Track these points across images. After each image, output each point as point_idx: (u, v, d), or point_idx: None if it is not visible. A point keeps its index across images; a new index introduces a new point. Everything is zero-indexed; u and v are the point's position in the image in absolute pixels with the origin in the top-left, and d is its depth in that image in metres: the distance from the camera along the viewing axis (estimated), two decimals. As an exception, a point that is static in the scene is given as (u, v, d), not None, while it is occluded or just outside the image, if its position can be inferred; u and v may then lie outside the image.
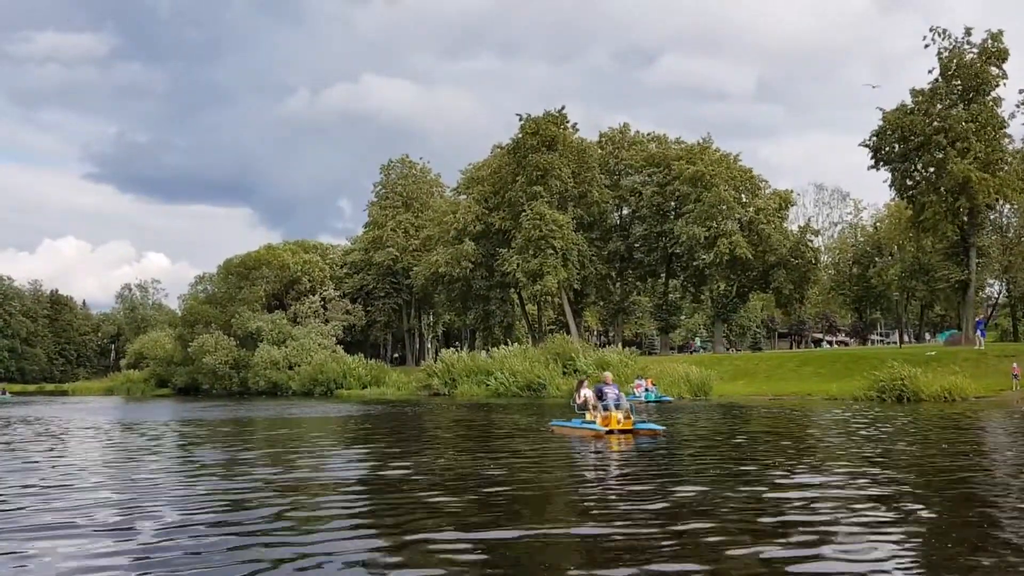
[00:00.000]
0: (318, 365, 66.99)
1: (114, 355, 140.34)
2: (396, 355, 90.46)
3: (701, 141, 65.35)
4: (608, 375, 19.11)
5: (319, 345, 71.73)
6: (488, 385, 47.16)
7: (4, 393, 76.40)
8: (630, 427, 16.98)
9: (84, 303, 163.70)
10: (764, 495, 9.04)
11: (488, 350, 57.58)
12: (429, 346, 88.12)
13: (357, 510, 8.53)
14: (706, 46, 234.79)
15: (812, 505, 8.30)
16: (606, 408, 17.42)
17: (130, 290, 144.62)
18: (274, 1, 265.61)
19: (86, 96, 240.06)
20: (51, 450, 17.01)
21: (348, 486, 10.45)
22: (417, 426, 24.26)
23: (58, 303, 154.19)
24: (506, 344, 54.93)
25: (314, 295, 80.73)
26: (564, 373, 45.31)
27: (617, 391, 18.08)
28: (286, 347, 71.38)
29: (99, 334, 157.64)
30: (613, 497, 9.28)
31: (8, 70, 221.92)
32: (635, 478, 11.00)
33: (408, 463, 12.90)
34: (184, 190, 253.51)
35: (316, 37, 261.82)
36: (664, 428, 17.34)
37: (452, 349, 57.58)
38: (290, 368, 69.66)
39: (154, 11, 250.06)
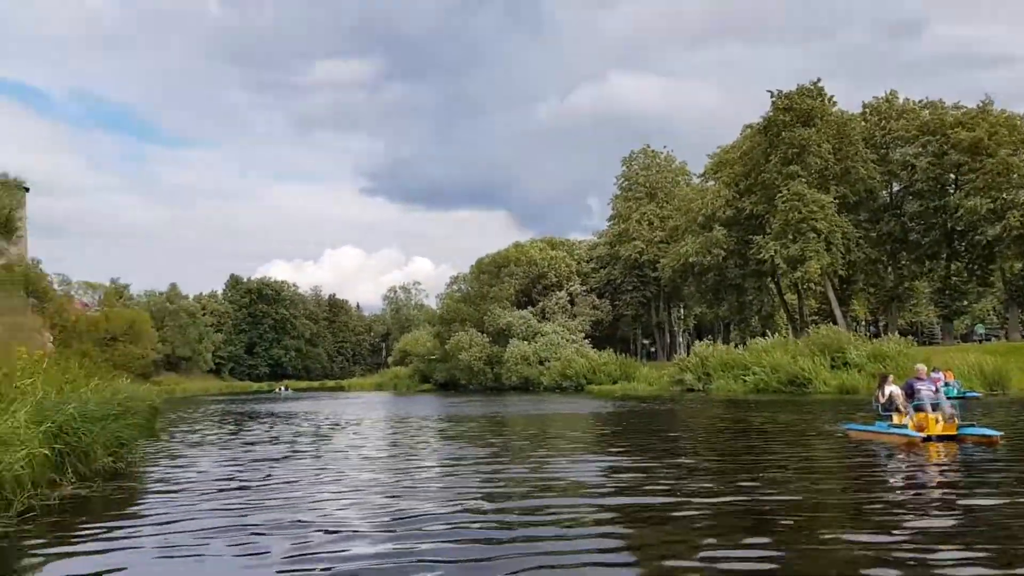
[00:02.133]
0: (567, 360, 66.96)
1: (385, 353, 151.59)
2: (652, 348, 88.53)
3: (981, 104, 57.17)
4: (921, 368, 15.53)
5: (567, 340, 71.82)
6: (746, 380, 44.04)
7: (287, 390, 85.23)
8: (954, 432, 13.84)
9: (358, 305, 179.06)
10: None
11: (744, 342, 54.15)
12: (680, 340, 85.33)
13: (607, 515, 7.79)
14: (980, 7, 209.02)
15: None
16: (919, 408, 14.32)
17: (395, 292, 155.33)
18: (520, 12, 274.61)
19: (358, 117, 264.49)
20: (323, 442, 17.59)
21: (598, 487, 9.60)
22: (674, 424, 22.46)
23: (335, 306, 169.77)
24: (765, 336, 51.20)
25: (560, 291, 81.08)
26: (832, 367, 41.15)
27: (933, 387, 14.76)
28: (535, 342, 72.16)
29: (371, 333, 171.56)
30: (940, 527, 7.09)
31: (292, 99, 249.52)
32: (964, 499, 8.57)
33: (670, 466, 11.39)
34: (446, 198, 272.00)
35: (562, 42, 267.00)
36: (1001, 434, 13.58)
37: (705, 342, 54.79)
38: (540, 363, 70.29)
39: (415, 33, 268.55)
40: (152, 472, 12.18)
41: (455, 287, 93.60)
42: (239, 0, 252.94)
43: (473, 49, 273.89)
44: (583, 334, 74.59)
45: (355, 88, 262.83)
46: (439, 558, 6.14)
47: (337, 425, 24.76)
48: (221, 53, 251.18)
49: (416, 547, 6.53)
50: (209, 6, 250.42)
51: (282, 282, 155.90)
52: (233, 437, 20.09)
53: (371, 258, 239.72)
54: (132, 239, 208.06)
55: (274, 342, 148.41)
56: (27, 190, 77.52)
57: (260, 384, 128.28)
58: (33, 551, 6.57)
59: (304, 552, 6.45)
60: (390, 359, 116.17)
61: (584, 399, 44.93)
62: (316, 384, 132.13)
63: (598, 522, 7.40)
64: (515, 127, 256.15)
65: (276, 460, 13.65)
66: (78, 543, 6.84)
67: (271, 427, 24.00)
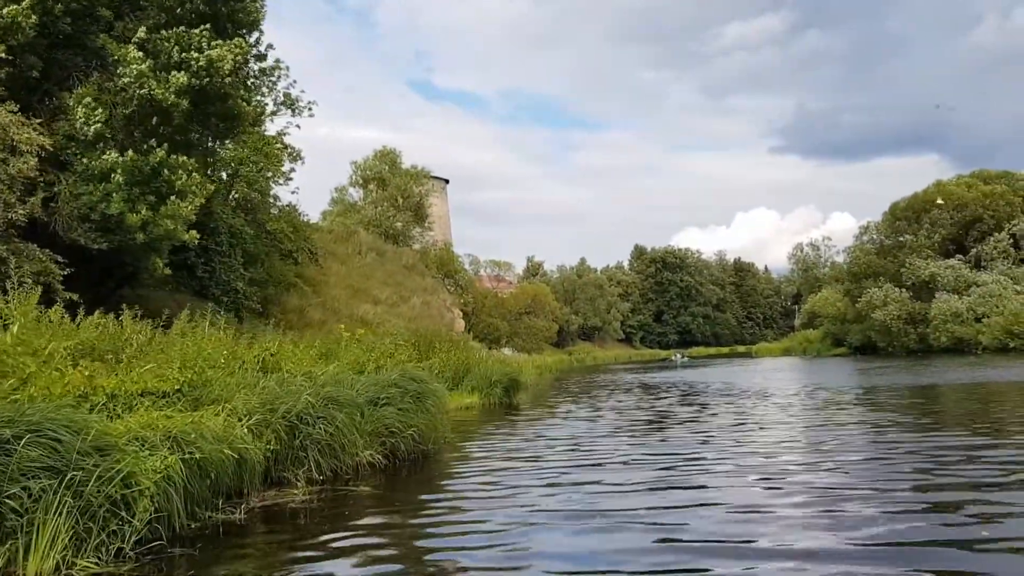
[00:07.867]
0: (1014, 315, 55.81)
1: (798, 316, 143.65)
2: None
3: None
4: None
5: (1014, 291, 59.72)
6: None
7: (683, 357, 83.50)
8: None
9: (766, 268, 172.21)
10: None
11: None
12: None
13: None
14: None
15: None
16: None
17: (801, 250, 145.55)
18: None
19: (767, 75, 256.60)
20: (660, 419, 15.43)
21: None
22: None
23: (741, 270, 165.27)
24: None
25: (1000, 232, 67.70)
26: None
27: None
28: (968, 296, 61.21)
29: (780, 296, 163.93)
30: None
31: (700, 68, 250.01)
32: None
33: None
34: (867, 147, 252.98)
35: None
36: None
37: None
38: (977, 320, 59.47)
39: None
40: (426, 468, 10.96)
41: (865, 238, 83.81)
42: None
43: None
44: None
45: (765, 46, 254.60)
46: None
47: (706, 395, 22.20)
48: (630, 35, 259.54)
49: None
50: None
51: (685, 250, 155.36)
52: (570, 416, 18.68)
53: (785, 219, 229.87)
54: (552, 220, 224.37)
55: (681, 309, 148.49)
56: (446, 182, 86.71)
57: (667, 352, 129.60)
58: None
59: None
60: (797, 321, 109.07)
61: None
62: (726, 350, 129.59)
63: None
64: (947, 59, 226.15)
65: (576, 445, 11.70)
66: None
67: (624, 400, 22.31)
